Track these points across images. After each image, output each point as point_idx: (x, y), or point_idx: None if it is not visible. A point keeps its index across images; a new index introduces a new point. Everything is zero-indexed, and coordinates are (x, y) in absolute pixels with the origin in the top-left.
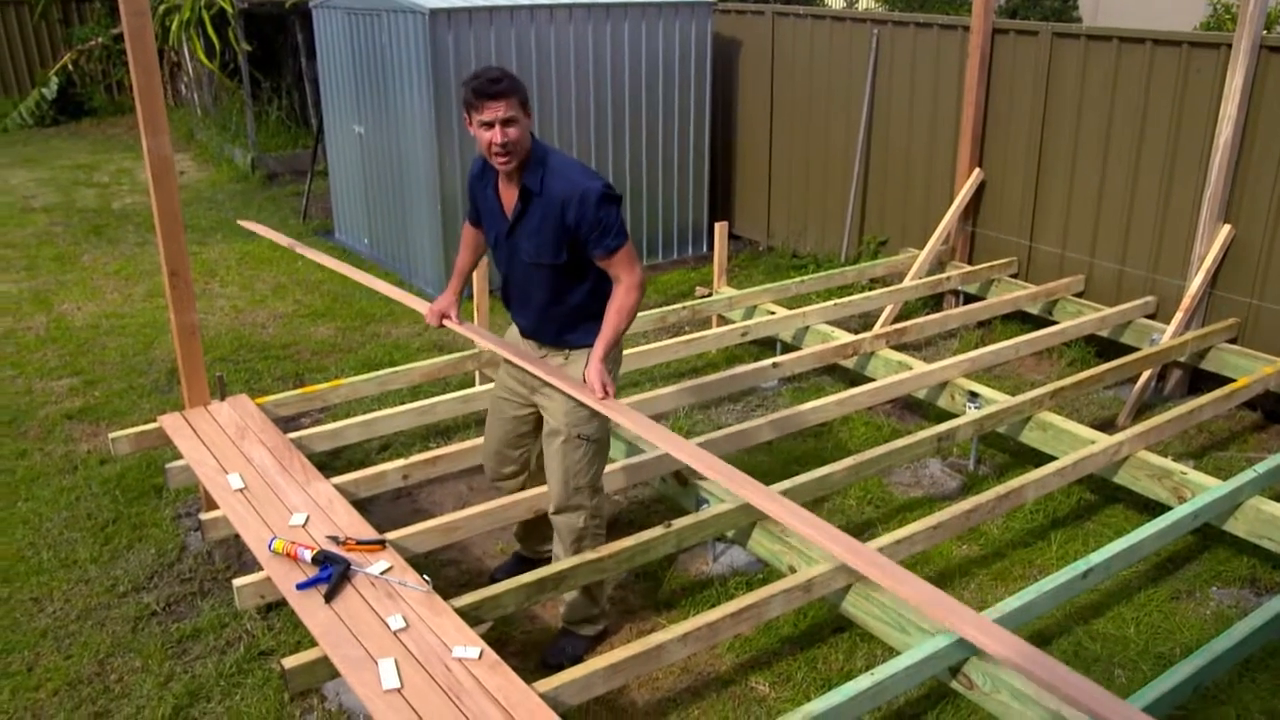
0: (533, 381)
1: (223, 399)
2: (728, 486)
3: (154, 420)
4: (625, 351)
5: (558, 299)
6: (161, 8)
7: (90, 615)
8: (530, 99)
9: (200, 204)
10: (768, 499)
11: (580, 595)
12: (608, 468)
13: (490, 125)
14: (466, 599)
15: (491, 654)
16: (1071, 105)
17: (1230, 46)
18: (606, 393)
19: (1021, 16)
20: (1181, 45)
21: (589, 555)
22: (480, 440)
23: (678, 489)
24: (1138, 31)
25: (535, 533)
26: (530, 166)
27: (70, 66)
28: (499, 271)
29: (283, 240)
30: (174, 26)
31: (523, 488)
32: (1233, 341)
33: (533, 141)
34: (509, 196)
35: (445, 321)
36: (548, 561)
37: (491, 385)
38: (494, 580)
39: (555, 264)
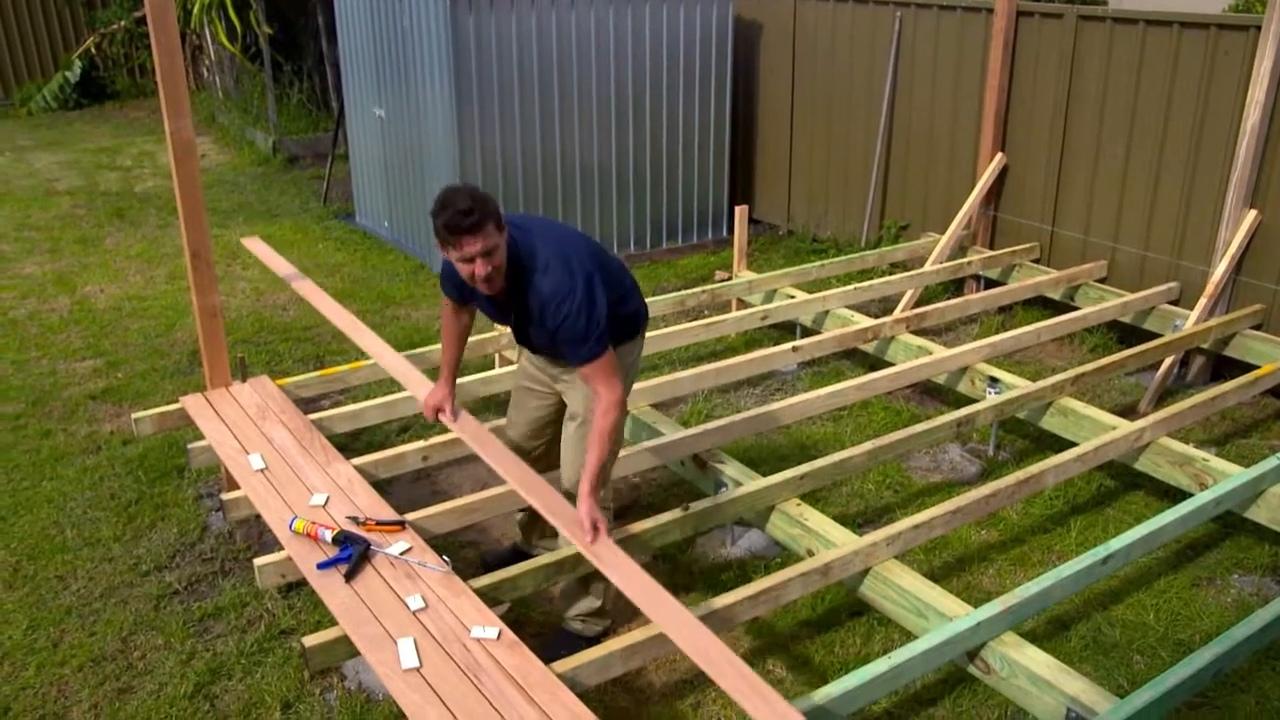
0: (553, 370)
1: (244, 380)
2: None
3: (176, 401)
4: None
5: None
6: None
7: (113, 593)
8: (501, 219)
9: (221, 187)
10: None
11: (575, 585)
12: (627, 451)
13: (469, 260)
14: (485, 580)
15: (510, 634)
16: (1096, 88)
17: (1260, 29)
18: (597, 533)
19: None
20: (1209, 28)
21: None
22: (501, 421)
23: (696, 472)
24: (1165, 14)
25: (537, 526)
26: (513, 268)
27: (93, 50)
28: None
29: (282, 269)
30: (195, 10)
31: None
32: (1257, 328)
33: (511, 238)
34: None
35: (441, 417)
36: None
37: (511, 368)
38: (484, 565)
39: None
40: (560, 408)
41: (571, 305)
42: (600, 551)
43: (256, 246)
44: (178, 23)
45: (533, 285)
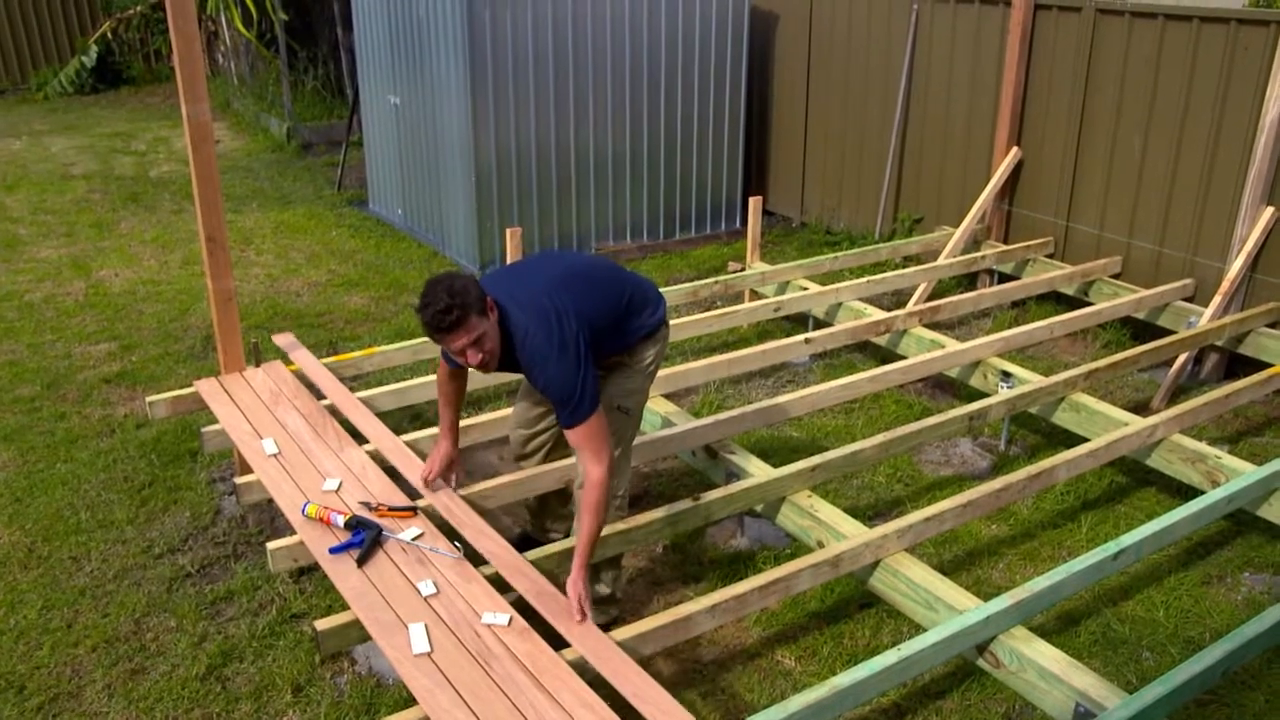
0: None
1: (257, 365)
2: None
3: (190, 385)
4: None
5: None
6: None
7: (127, 575)
8: (485, 303)
9: (236, 173)
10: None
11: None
12: (639, 441)
13: (460, 352)
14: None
15: (520, 621)
16: (1113, 83)
17: None
18: (584, 614)
19: None
20: (1230, 23)
21: (619, 526)
22: (509, 411)
23: (708, 462)
24: (1184, 8)
25: (547, 512)
26: (503, 340)
27: (109, 35)
28: None
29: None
30: None
31: (548, 459)
32: (1273, 326)
33: (496, 307)
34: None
35: (429, 488)
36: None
37: None
38: None
39: None
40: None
41: (550, 371)
42: (584, 637)
43: (288, 344)
44: (195, 8)
45: (519, 352)
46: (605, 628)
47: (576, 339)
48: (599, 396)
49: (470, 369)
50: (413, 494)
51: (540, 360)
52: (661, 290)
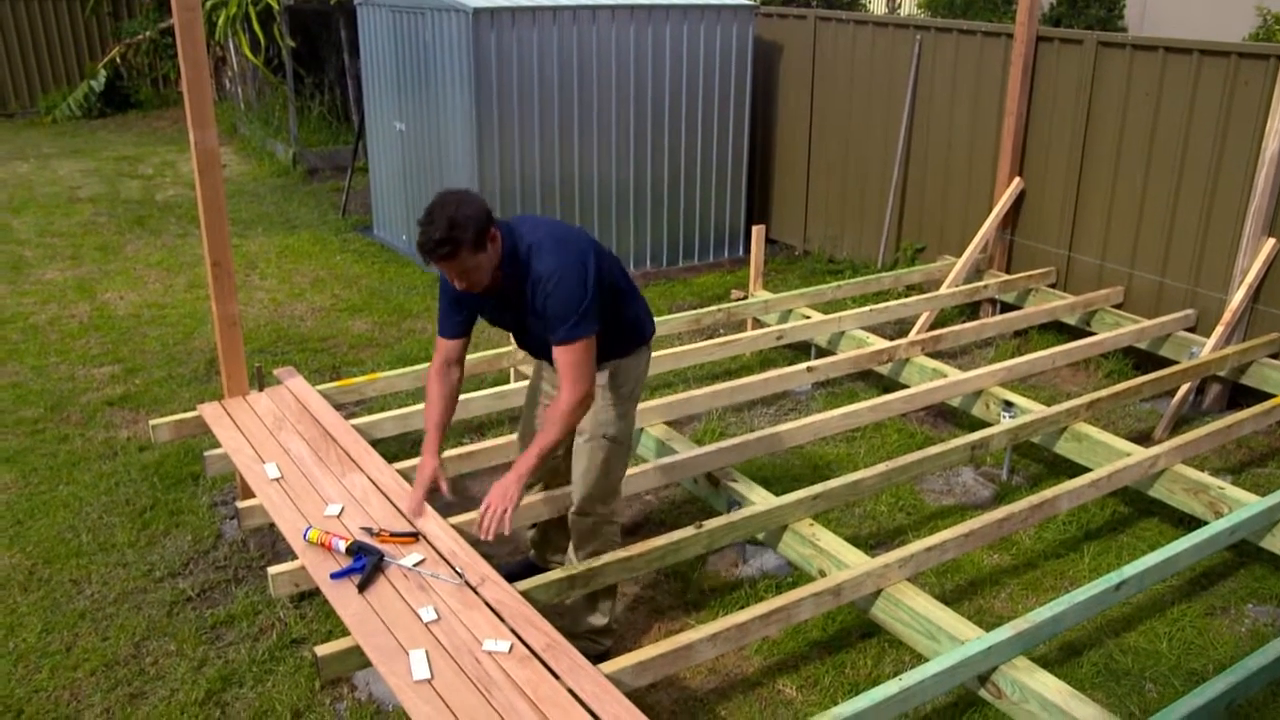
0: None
1: (261, 389)
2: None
3: (193, 409)
4: (658, 353)
5: None
6: (208, 3)
7: (127, 599)
8: (485, 235)
9: (242, 197)
10: None
11: (582, 602)
12: (640, 468)
13: (451, 278)
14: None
15: (521, 648)
16: (1115, 115)
17: None
18: (489, 524)
19: (1066, 25)
20: (1230, 56)
21: (620, 553)
22: (514, 437)
23: (709, 490)
24: (1184, 42)
25: (550, 542)
26: (508, 263)
27: (118, 60)
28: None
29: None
30: (220, 21)
31: (546, 488)
32: (1275, 356)
33: (501, 234)
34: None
35: (419, 522)
36: None
37: (525, 383)
38: None
39: None
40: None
41: (560, 278)
42: (559, 663)
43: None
44: (203, 35)
45: (530, 271)
46: (597, 659)
47: (586, 259)
48: (598, 320)
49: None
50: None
51: (548, 274)
52: (664, 318)
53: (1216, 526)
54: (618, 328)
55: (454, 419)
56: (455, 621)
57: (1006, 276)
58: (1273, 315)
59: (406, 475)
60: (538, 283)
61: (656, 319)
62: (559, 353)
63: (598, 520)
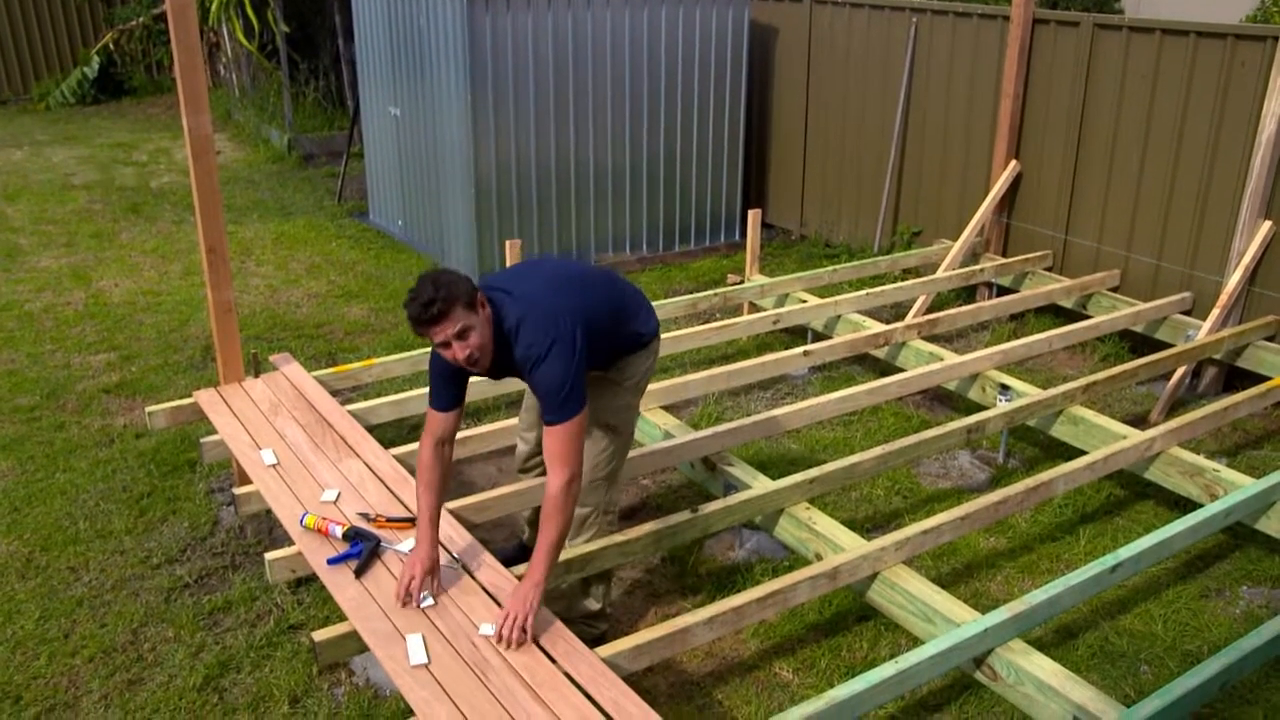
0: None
1: (256, 376)
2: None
3: (189, 396)
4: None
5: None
6: None
7: (125, 585)
8: (475, 297)
9: (237, 184)
10: None
11: (576, 587)
12: (637, 452)
13: (446, 345)
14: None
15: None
16: (1111, 97)
17: (1277, 39)
18: (509, 633)
19: (1062, 7)
20: (1226, 38)
21: (617, 537)
22: (512, 421)
23: (706, 474)
24: (1181, 23)
25: None
26: (496, 336)
27: (111, 46)
28: None
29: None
30: (214, 7)
31: (544, 472)
32: (1270, 339)
33: (490, 304)
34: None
35: (425, 601)
36: None
37: None
38: None
39: None
40: None
41: (546, 358)
42: (557, 646)
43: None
44: (197, 20)
45: (516, 346)
46: (592, 644)
47: (572, 335)
48: (586, 398)
49: (460, 407)
50: (410, 505)
51: (534, 353)
52: (660, 303)
53: (1212, 509)
54: (620, 340)
55: None
56: (452, 606)
57: (1003, 260)
58: (1269, 298)
59: (403, 460)
60: (524, 363)
61: (653, 304)
62: (548, 434)
63: (593, 510)
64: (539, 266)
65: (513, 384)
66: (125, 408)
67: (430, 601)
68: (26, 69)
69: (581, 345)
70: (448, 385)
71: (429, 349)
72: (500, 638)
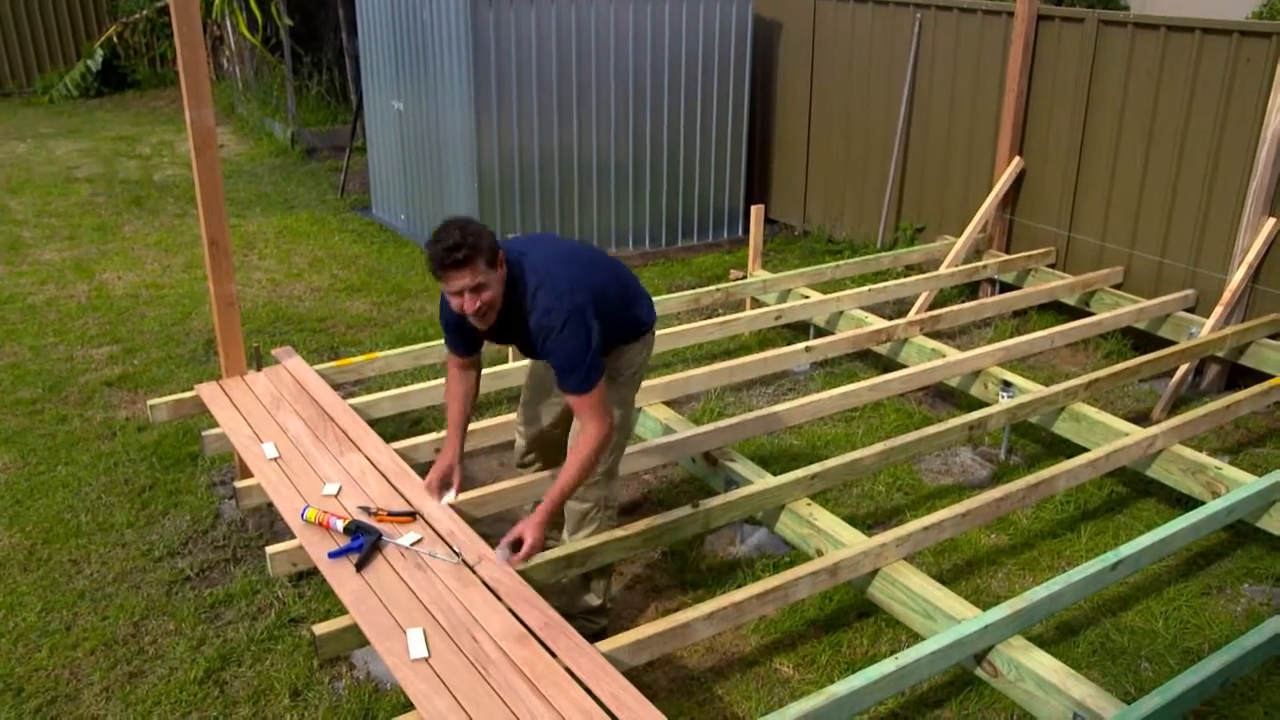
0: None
1: (258, 369)
2: None
3: (191, 389)
4: (657, 333)
5: None
6: None
7: (126, 578)
8: (497, 255)
9: (240, 177)
10: None
11: (577, 582)
12: (639, 447)
13: (459, 294)
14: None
15: (518, 627)
16: (1116, 94)
17: None
18: (520, 553)
19: (1067, 4)
20: (1232, 34)
21: (617, 533)
22: (513, 416)
23: (707, 469)
24: (1186, 20)
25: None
26: (509, 299)
27: (115, 39)
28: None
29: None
30: (217, 1)
31: (545, 467)
32: (1274, 337)
33: (508, 264)
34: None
35: (446, 496)
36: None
37: (525, 362)
38: None
39: None
40: (566, 410)
41: (564, 332)
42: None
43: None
44: (200, 13)
45: (531, 315)
46: (593, 639)
47: (588, 308)
48: (604, 365)
49: (472, 363)
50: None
51: (551, 321)
52: (663, 298)
53: (1213, 506)
54: (619, 327)
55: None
56: (453, 600)
57: (1006, 256)
58: (1272, 295)
59: (405, 455)
60: (539, 331)
61: (655, 299)
62: (575, 402)
63: (594, 506)
64: (553, 241)
65: (514, 379)
66: (127, 401)
67: (451, 496)
68: (30, 62)
69: (593, 321)
70: (458, 335)
71: (430, 344)
72: (502, 543)
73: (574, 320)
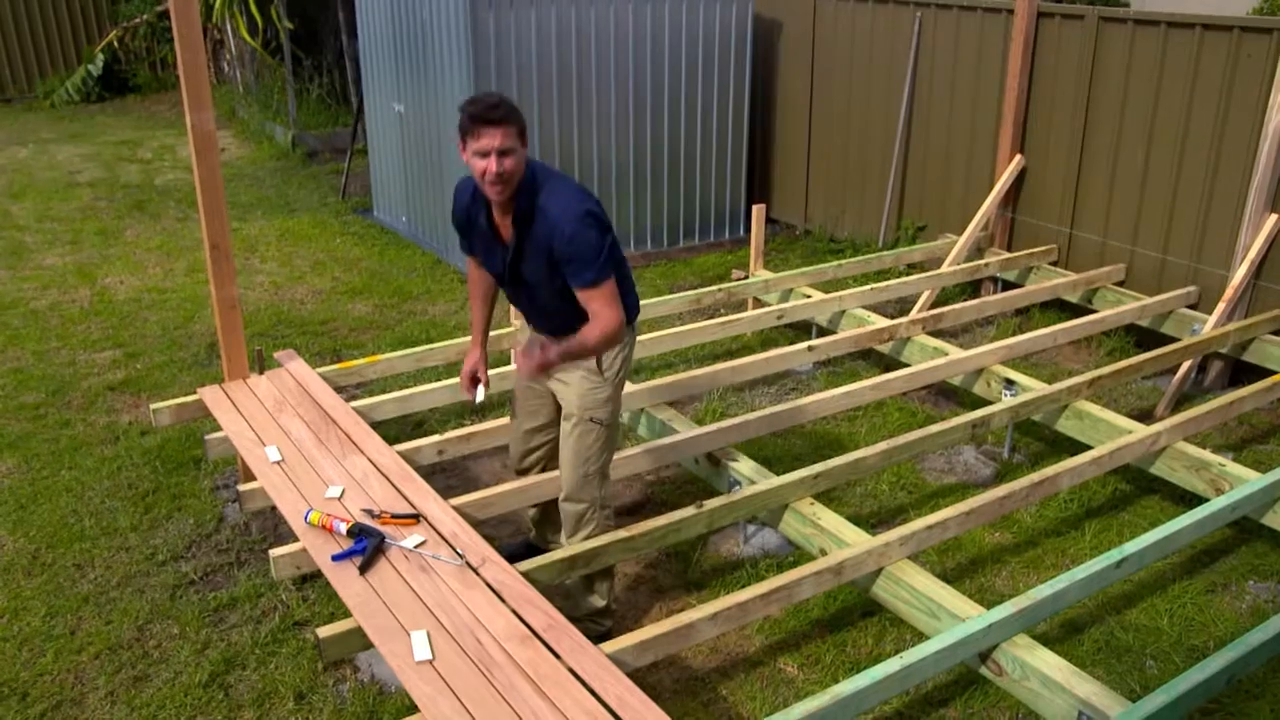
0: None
1: (261, 372)
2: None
3: (194, 393)
4: (660, 333)
5: (570, 308)
6: None
7: (130, 582)
8: (525, 134)
9: (241, 181)
10: None
11: (580, 584)
12: (641, 448)
13: (486, 154)
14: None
15: (523, 629)
16: (1116, 91)
17: None
18: (546, 362)
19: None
20: (1232, 30)
21: (621, 533)
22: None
23: (710, 470)
24: (1187, 16)
25: (550, 522)
26: (523, 193)
27: (115, 44)
28: (504, 290)
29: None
30: (217, 4)
31: (545, 469)
32: (1277, 333)
33: (526, 166)
34: (504, 224)
35: (478, 394)
36: None
37: None
38: None
39: (561, 287)
40: (556, 411)
41: (580, 224)
42: (561, 642)
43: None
44: (199, 17)
45: (539, 209)
46: (597, 640)
47: (598, 211)
48: (615, 260)
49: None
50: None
51: (566, 215)
52: (665, 298)
53: (1217, 503)
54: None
55: (453, 400)
56: (456, 602)
57: (1008, 254)
58: (1275, 291)
59: (407, 457)
60: (554, 227)
61: (657, 299)
62: (589, 296)
63: (589, 506)
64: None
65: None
66: (130, 405)
67: (482, 394)
68: (31, 67)
69: (606, 219)
70: (468, 240)
71: (432, 346)
72: (525, 351)
73: (588, 218)
